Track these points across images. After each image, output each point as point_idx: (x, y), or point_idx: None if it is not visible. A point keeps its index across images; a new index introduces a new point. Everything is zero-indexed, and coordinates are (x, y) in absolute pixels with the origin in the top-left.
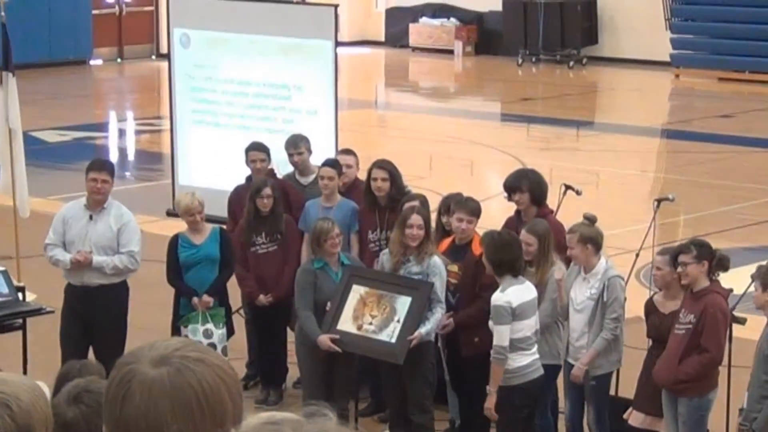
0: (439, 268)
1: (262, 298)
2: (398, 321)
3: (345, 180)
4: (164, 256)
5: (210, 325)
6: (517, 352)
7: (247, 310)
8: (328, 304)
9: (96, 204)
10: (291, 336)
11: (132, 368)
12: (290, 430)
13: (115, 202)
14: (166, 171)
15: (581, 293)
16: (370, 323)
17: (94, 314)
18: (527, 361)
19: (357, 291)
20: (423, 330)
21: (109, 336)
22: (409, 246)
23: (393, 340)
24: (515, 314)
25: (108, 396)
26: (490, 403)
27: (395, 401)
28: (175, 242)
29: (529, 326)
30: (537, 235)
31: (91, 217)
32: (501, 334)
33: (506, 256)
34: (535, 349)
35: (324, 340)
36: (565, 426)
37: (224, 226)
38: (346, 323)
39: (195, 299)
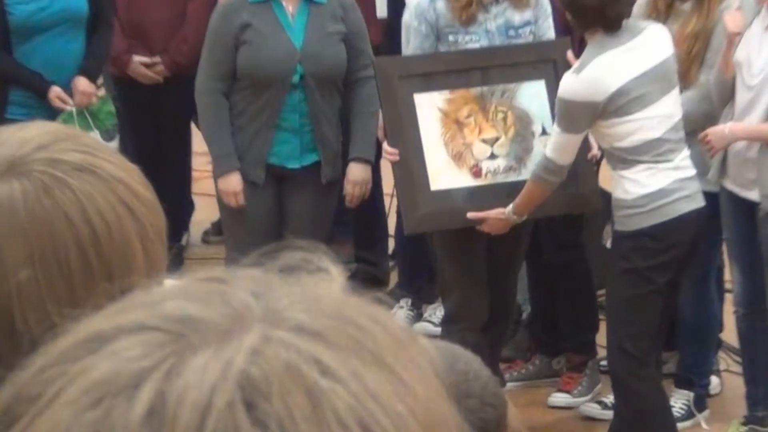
0: (548, 6)
1: (141, 68)
2: (544, 131)
3: None
4: None
5: (96, 134)
6: (636, 167)
7: (117, 93)
8: (383, 143)
9: None
10: (199, 138)
11: None
12: (247, 294)
13: None
14: None
15: (764, 54)
16: (492, 156)
17: None
18: (663, 183)
19: (429, 105)
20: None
21: None
22: None
23: None
24: (618, 106)
25: None
26: (491, 223)
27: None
28: None
29: (657, 120)
30: None
31: None
32: (558, 145)
33: None
34: (680, 159)
35: (233, 187)
36: (732, 309)
37: None
38: (446, 174)
39: (55, 92)
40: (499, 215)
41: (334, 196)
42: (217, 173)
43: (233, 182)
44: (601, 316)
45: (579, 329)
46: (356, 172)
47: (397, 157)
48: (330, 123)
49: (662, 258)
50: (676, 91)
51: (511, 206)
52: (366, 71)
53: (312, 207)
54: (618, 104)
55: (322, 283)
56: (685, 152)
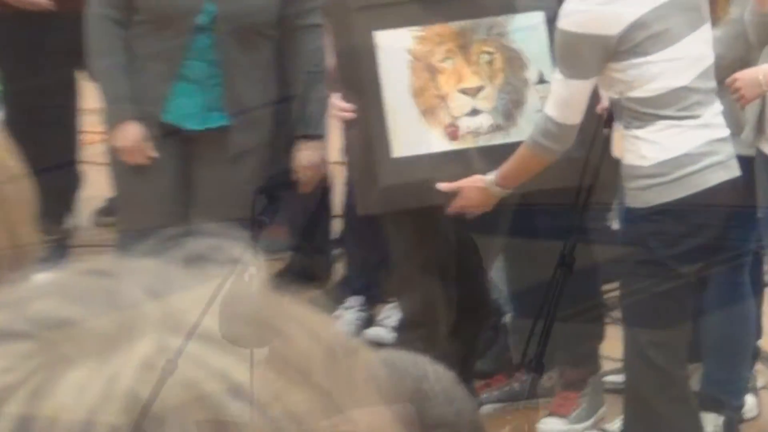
0: None
1: None
2: (542, 79)
3: None
4: None
5: None
6: (655, 124)
7: None
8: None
9: None
10: (90, 93)
11: None
12: (138, 292)
13: None
14: None
15: None
16: (473, 111)
17: None
18: (690, 145)
19: (394, 45)
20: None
21: None
22: None
23: None
24: (636, 43)
25: None
26: (467, 196)
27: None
28: None
29: (683, 63)
30: None
31: None
32: (560, 97)
33: None
34: (710, 114)
35: (130, 141)
36: None
37: None
38: (414, 136)
39: None
40: (477, 183)
41: (253, 166)
42: (109, 123)
43: (130, 134)
44: (606, 320)
45: (577, 336)
46: (308, 154)
47: (351, 115)
48: (248, 79)
49: (688, 243)
50: (707, 27)
51: (494, 174)
52: (312, 17)
53: (224, 181)
54: (635, 40)
55: (236, 279)
56: (717, 106)
